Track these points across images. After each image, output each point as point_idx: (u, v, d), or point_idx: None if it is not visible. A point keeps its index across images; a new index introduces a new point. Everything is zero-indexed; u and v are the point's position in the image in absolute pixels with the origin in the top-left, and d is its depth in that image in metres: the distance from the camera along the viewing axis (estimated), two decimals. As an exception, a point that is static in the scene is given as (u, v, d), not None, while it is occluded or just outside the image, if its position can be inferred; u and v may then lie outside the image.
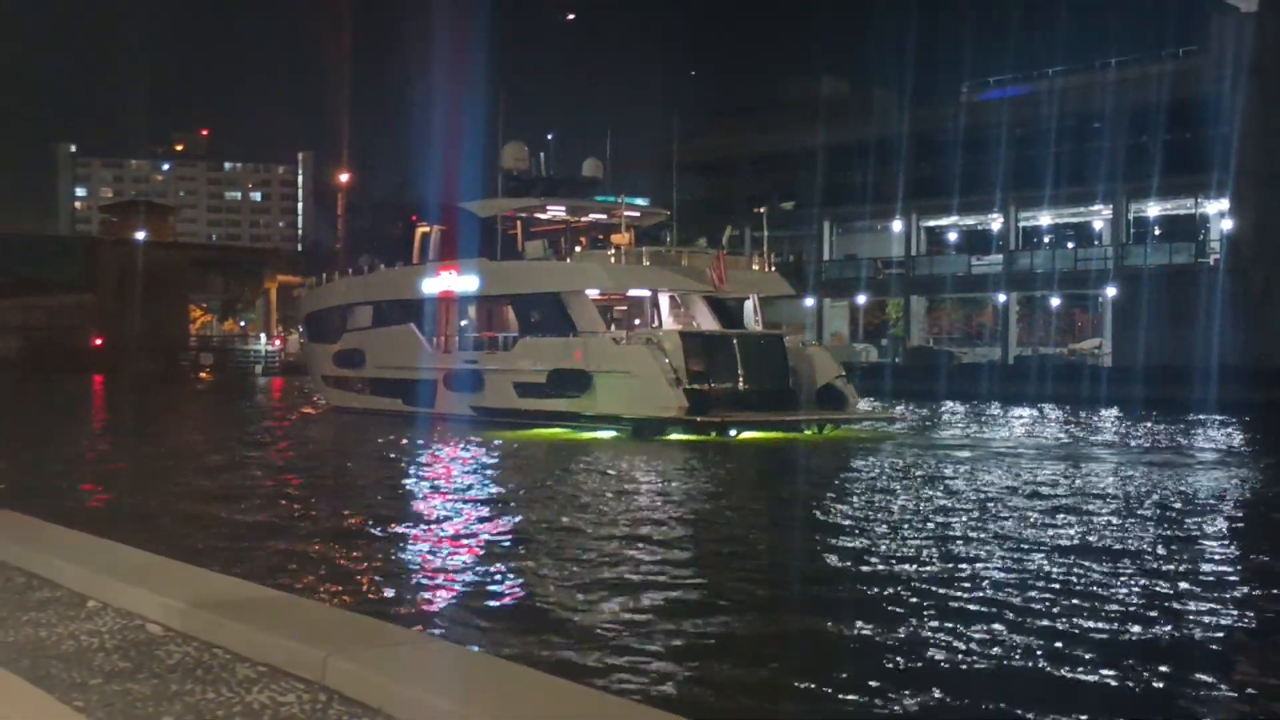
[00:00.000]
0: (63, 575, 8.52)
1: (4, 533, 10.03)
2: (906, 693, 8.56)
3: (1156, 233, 66.88)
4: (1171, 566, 13.37)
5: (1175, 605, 11.37)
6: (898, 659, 9.45)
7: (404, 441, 30.64)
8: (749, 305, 36.87)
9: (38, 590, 8.30)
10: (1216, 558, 14.37)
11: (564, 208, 39.42)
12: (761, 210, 43.44)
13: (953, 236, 76.37)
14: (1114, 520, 16.75)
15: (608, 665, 9.12)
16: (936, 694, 8.55)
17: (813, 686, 8.78)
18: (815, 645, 10.02)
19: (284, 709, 5.59)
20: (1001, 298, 67.84)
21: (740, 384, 32.59)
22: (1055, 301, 69.04)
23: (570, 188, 40.54)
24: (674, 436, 30.66)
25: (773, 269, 38.86)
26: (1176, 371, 49.79)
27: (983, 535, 15.37)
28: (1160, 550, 14.40)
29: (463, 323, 39.00)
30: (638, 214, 41.34)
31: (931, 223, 75.14)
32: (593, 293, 35.37)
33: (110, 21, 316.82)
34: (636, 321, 36.45)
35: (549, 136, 42.43)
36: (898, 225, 73.42)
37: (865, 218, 74.79)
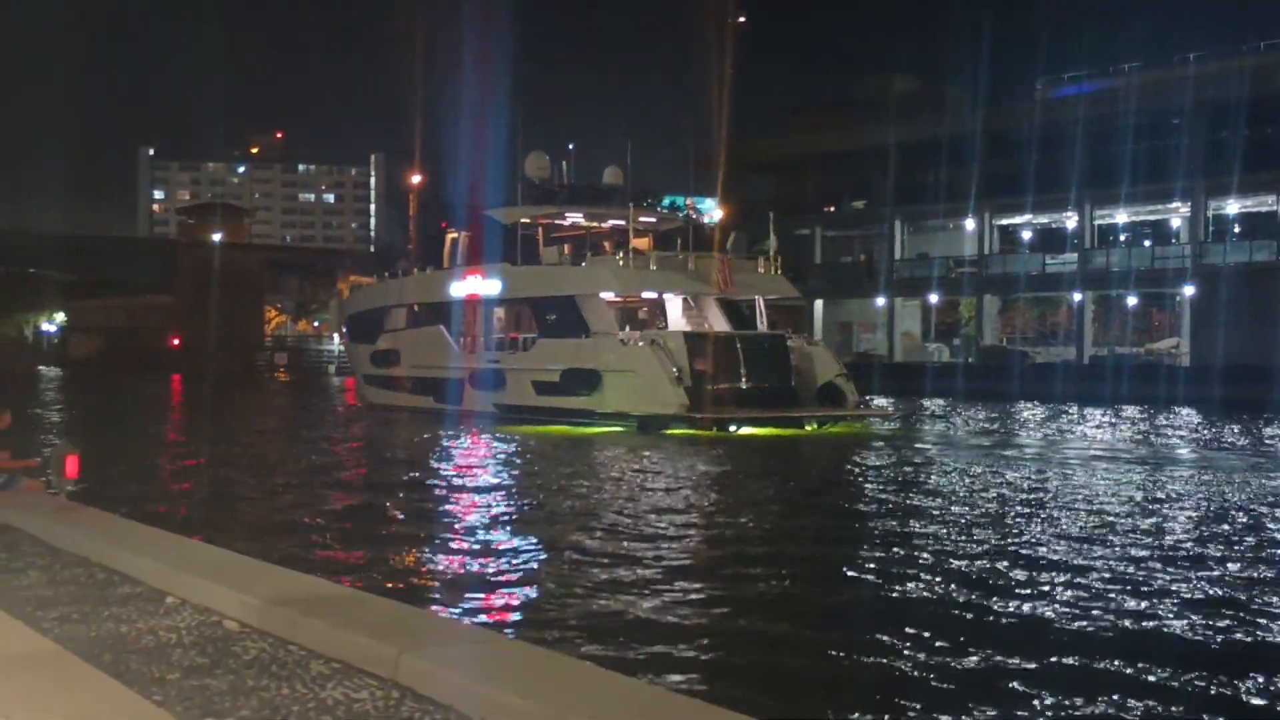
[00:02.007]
0: (143, 572, 8.70)
1: (86, 530, 10.26)
2: (939, 682, 8.48)
3: (1236, 230, 65.47)
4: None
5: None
6: (927, 644, 9.38)
7: (443, 439, 31.82)
8: (760, 306, 38.11)
9: (119, 586, 8.48)
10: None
11: (582, 214, 40.65)
12: (771, 214, 43.47)
13: (1027, 235, 75.26)
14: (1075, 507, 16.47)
15: (676, 663, 9.13)
16: (979, 688, 8.47)
17: (873, 685, 8.73)
18: (860, 640, 9.97)
19: (357, 705, 5.67)
20: (1077, 297, 66.76)
21: (743, 382, 33.69)
22: (1132, 300, 67.89)
23: (591, 195, 41.79)
24: (676, 431, 31.74)
25: (778, 271, 39.95)
26: (1257, 371, 48.83)
27: (975, 520, 15.27)
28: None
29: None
30: (655, 219, 42.63)
31: (1005, 221, 74.11)
32: (610, 296, 36.57)
33: (187, 27, 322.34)
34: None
35: (570, 146, 44.22)
36: (970, 224, 72.51)
37: (938, 216, 73.95)
